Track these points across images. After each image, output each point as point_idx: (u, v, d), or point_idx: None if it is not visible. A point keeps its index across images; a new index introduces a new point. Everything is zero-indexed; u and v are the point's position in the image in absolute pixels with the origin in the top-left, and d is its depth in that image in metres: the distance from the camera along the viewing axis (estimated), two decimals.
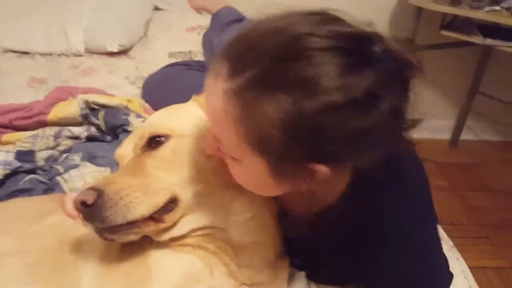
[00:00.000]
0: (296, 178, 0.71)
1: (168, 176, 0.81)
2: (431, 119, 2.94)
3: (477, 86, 2.91)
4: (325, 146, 0.65)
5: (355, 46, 0.64)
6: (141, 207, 0.76)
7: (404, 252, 0.83)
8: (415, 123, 0.74)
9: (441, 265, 0.91)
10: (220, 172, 0.81)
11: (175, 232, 0.82)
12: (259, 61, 0.64)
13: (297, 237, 0.94)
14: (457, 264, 1.07)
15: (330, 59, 0.63)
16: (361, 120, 0.64)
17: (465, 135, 3.16)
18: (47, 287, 0.80)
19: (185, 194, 0.81)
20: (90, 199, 0.74)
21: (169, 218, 0.80)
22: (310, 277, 0.98)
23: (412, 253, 0.84)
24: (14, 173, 1.17)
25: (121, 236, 0.78)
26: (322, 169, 0.68)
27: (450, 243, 1.14)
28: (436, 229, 0.92)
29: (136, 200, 0.75)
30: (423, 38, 2.63)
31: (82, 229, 0.86)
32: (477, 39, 2.34)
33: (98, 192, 0.75)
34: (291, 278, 0.96)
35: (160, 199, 0.78)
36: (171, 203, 0.80)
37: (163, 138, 0.83)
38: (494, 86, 2.90)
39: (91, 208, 0.74)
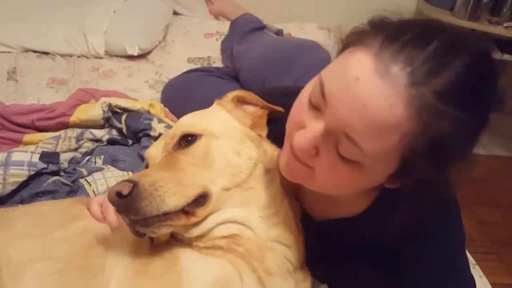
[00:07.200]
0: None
1: (200, 171, 0.83)
2: None
3: None
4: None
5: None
6: (175, 198, 0.76)
7: (434, 278, 0.84)
8: None
9: None
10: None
11: (204, 226, 0.83)
12: (452, 72, 0.63)
13: (320, 248, 0.94)
14: (480, 282, 1.07)
15: None
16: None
17: (476, 150, 3.14)
18: None
19: (216, 189, 0.83)
20: (125, 190, 0.74)
21: (200, 213, 0.81)
22: None
23: (442, 279, 0.84)
24: (37, 174, 1.17)
25: (154, 229, 0.78)
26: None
27: (473, 261, 1.14)
28: (464, 252, 0.92)
29: (170, 191, 0.76)
30: None
31: (109, 233, 0.86)
32: (495, 55, 2.34)
33: (133, 183, 0.75)
34: None
35: (193, 191, 0.80)
36: (203, 198, 0.81)
37: (194, 137, 0.86)
38: (507, 101, 2.88)
39: (126, 199, 0.74)
